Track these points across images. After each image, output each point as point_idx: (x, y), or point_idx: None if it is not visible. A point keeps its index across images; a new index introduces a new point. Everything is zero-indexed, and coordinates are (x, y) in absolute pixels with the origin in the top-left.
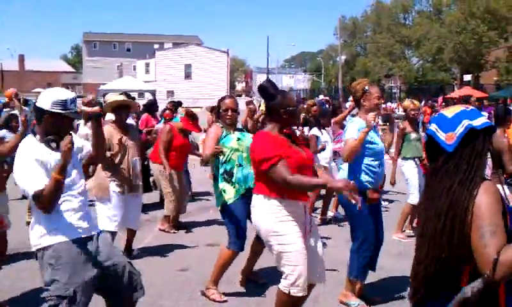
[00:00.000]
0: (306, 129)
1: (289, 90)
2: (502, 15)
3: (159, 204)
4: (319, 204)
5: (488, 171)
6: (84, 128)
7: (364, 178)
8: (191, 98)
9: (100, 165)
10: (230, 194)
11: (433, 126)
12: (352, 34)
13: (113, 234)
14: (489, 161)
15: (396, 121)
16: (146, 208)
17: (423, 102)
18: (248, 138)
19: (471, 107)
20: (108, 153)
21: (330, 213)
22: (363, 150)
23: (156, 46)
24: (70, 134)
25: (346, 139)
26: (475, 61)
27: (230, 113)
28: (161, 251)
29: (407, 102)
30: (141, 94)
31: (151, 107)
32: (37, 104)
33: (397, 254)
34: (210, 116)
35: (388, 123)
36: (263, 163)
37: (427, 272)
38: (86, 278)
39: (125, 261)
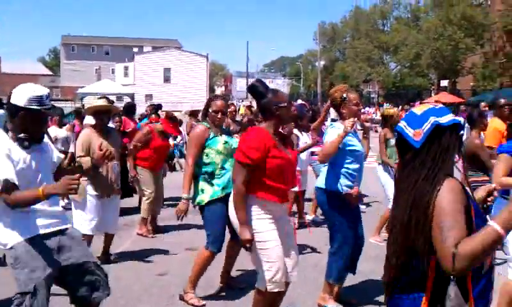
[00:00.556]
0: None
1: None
2: (478, 22)
3: (138, 209)
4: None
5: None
6: (61, 131)
7: (343, 181)
8: (170, 102)
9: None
10: (207, 194)
11: (402, 123)
12: (332, 39)
13: (89, 237)
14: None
15: (374, 125)
16: (125, 212)
17: (399, 107)
18: (235, 142)
19: (440, 105)
20: (87, 159)
21: (309, 217)
22: (343, 154)
23: (135, 49)
24: (49, 138)
25: (325, 141)
26: (452, 67)
27: (219, 115)
28: (140, 255)
29: (392, 110)
30: (120, 97)
31: (129, 109)
32: (11, 101)
33: (374, 257)
34: (189, 120)
35: (363, 131)
36: (240, 153)
37: (397, 264)
38: (46, 273)
39: (89, 260)
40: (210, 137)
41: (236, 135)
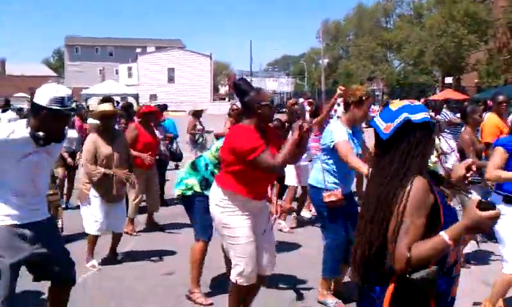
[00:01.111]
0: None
1: (273, 93)
2: (481, 19)
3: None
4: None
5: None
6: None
7: (329, 179)
8: (174, 102)
9: (82, 173)
10: (191, 191)
11: (377, 118)
12: (335, 37)
13: (95, 238)
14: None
15: None
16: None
17: None
18: None
19: (417, 103)
20: (93, 167)
21: (307, 215)
22: (334, 154)
23: (138, 50)
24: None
25: (337, 141)
26: (456, 64)
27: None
28: (145, 255)
29: None
30: (124, 98)
31: (127, 110)
32: (34, 100)
33: None
34: (192, 119)
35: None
36: (250, 153)
37: (363, 256)
38: (13, 260)
39: (60, 252)
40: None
41: None
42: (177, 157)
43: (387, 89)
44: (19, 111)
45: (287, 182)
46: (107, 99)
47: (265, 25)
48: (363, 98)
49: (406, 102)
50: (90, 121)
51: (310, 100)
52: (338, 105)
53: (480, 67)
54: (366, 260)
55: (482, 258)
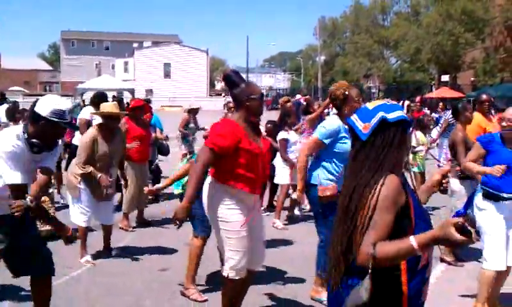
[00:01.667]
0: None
1: (269, 89)
2: (478, 17)
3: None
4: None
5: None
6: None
7: (323, 175)
8: (170, 97)
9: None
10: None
11: (354, 117)
12: (332, 34)
13: (85, 229)
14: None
15: None
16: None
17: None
18: None
19: (392, 102)
20: (84, 163)
21: (297, 212)
22: (328, 152)
23: (135, 45)
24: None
25: (314, 136)
26: (452, 62)
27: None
28: (140, 251)
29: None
30: (120, 93)
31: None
32: (35, 109)
33: None
34: (186, 116)
35: None
36: (208, 140)
37: (341, 248)
38: None
39: (33, 246)
40: None
41: None
42: (164, 150)
43: (383, 86)
44: (13, 104)
45: (280, 181)
46: (101, 95)
47: (262, 22)
48: (346, 93)
49: (383, 101)
50: (81, 115)
51: (307, 97)
52: None
53: (477, 65)
54: (343, 254)
55: (475, 254)
